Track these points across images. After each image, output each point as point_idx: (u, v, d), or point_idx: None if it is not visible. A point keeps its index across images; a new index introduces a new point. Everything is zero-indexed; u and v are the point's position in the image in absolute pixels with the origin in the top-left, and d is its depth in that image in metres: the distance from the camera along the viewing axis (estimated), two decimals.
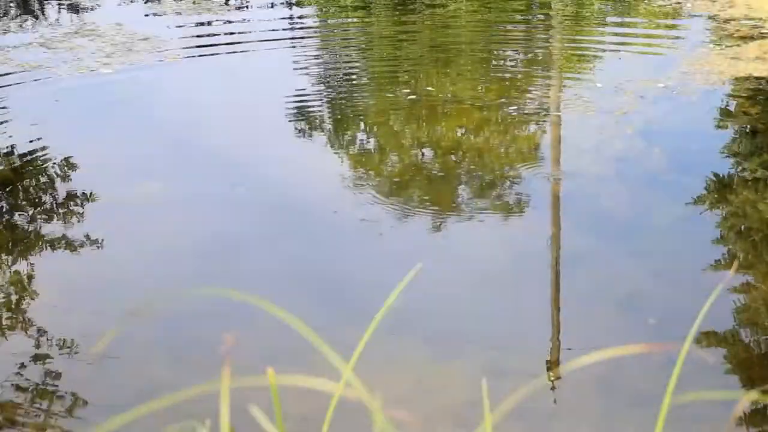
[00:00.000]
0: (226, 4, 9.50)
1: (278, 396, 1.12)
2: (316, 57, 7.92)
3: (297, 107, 6.63)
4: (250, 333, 3.83)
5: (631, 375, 3.51)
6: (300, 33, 8.69)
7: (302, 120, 6.40)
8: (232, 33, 8.64)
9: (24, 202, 5.34)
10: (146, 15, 9.16)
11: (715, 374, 3.65)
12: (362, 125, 6.35)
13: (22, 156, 5.88)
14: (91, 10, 9.34)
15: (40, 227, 4.98)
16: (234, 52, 7.97)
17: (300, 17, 9.25)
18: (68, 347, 3.91)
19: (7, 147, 6.05)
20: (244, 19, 9.00)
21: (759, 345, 3.87)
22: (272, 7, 9.53)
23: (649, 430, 3.18)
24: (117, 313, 4.15)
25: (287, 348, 3.40)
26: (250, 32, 8.52)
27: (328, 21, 9.30)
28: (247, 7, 9.50)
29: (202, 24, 8.88)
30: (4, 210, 5.25)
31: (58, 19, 9.03)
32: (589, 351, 1.11)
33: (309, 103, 6.71)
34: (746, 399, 1.16)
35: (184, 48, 7.95)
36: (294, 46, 8.22)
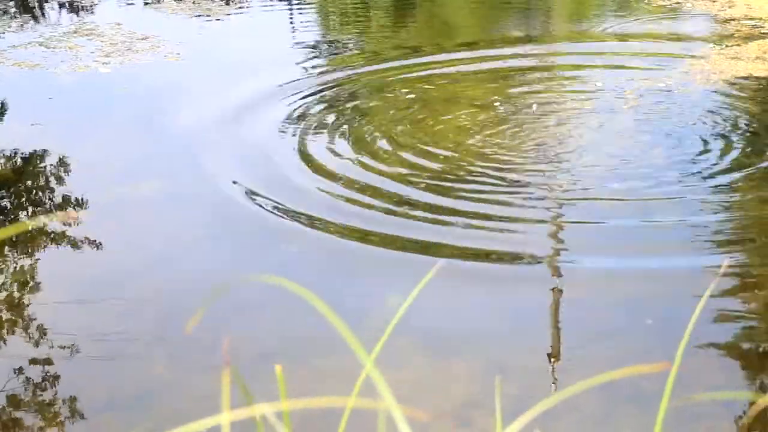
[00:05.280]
0: (227, 4, 9.49)
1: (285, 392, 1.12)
2: (316, 50, 7.92)
3: (296, 105, 6.63)
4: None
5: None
6: (301, 31, 8.69)
7: (301, 118, 6.40)
8: (232, 32, 8.64)
9: (24, 202, 5.34)
10: (146, 15, 9.16)
11: (714, 374, 3.65)
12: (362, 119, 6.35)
13: (22, 156, 5.89)
14: (91, 9, 9.34)
15: (40, 226, 4.98)
16: (233, 51, 7.97)
17: (302, 22, 9.25)
18: (69, 344, 3.91)
19: (7, 147, 6.05)
20: (244, 17, 9.00)
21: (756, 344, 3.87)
22: (272, 9, 9.53)
23: (648, 430, 3.18)
24: (116, 311, 4.15)
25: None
26: (250, 31, 8.52)
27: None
28: (247, 7, 9.50)
29: (201, 24, 8.88)
30: (4, 209, 5.24)
31: (57, 19, 9.03)
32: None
33: (309, 101, 6.71)
34: (761, 402, 1.15)
35: (183, 47, 7.95)
36: (295, 40, 8.22)
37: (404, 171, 5.47)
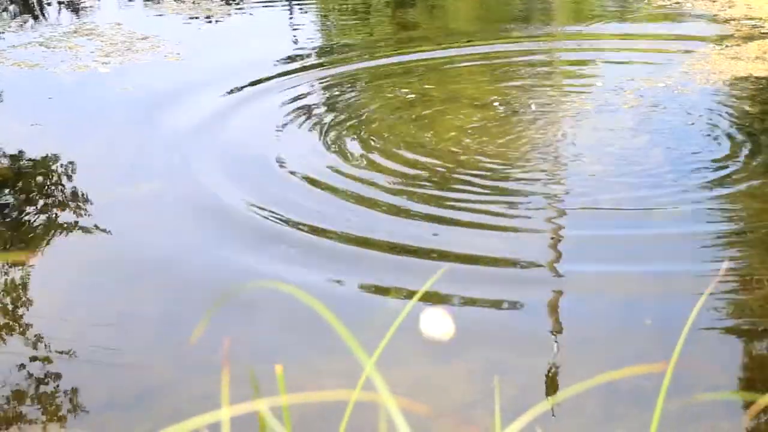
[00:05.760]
0: (227, 3, 9.49)
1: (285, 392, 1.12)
2: (315, 48, 7.92)
3: (296, 103, 6.63)
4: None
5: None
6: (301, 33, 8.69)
7: (301, 117, 6.40)
8: (232, 31, 8.64)
9: (23, 202, 5.33)
10: (146, 15, 9.16)
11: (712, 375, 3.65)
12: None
13: (21, 156, 5.89)
14: (91, 9, 9.34)
15: (40, 226, 4.98)
16: (233, 51, 7.97)
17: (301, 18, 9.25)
18: (68, 344, 3.90)
19: (6, 147, 6.05)
20: (244, 16, 9.00)
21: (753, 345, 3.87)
22: (272, 7, 9.53)
23: (646, 429, 3.18)
24: (115, 311, 4.15)
25: None
26: (250, 30, 8.53)
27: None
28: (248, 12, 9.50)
29: (201, 24, 8.88)
30: (4, 210, 5.24)
31: (57, 19, 9.03)
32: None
33: (309, 99, 6.71)
34: (761, 402, 1.15)
35: (183, 47, 7.95)
36: (294, 38, 8.22)
37: (396, 180, 5.47)
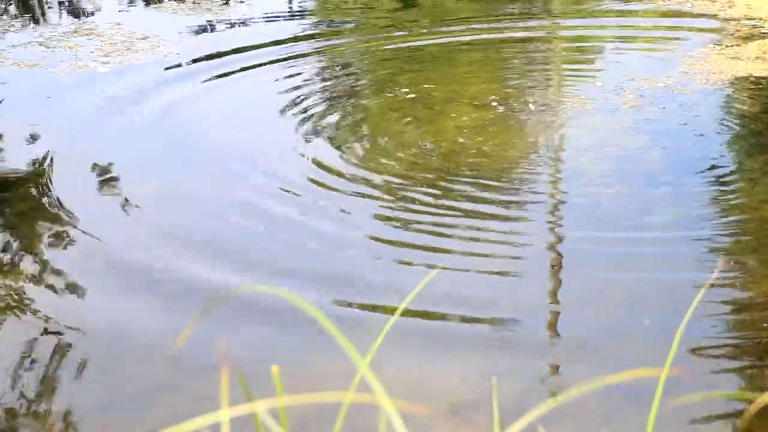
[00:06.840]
0: (227, 3, 9.50)
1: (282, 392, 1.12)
2: (315, 46, 7.92)
3: (295, 101, 6.64)
4: None
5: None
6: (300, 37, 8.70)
7: (299, 115, 6.40)
8: (232, 31, 8.64)
9: (23, 203, 5.33)
10: (146, 15, 9.16)
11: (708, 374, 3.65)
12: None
13: (20, 156, 5.89)
14: (91, 9, 9.34)
15: (39, 226, 4.98)
16: (233, 50, 7.97)
17: (300, 13, 9.25)
18: (67, 344, 3.91)
19: (7, 147, 6.05)
20: (246, 19, 9.01)
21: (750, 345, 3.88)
22: (271, 5, 9.54)
23: (644, 430, 3.18)
24: (115, 311, 4.15)
25: None
26: (250, 30, 8.53)
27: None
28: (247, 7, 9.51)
29: (201, 23, 8.88)
30: (4, 210, 5.25)
31: (58, 19, 9.03)
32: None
33: (307, 97, 6.72)
34: (760, 401, 1.15)
35: (183, 47, 7.95)
36: (294, 36, 8.23)
37: (393, 181, 5.47)
